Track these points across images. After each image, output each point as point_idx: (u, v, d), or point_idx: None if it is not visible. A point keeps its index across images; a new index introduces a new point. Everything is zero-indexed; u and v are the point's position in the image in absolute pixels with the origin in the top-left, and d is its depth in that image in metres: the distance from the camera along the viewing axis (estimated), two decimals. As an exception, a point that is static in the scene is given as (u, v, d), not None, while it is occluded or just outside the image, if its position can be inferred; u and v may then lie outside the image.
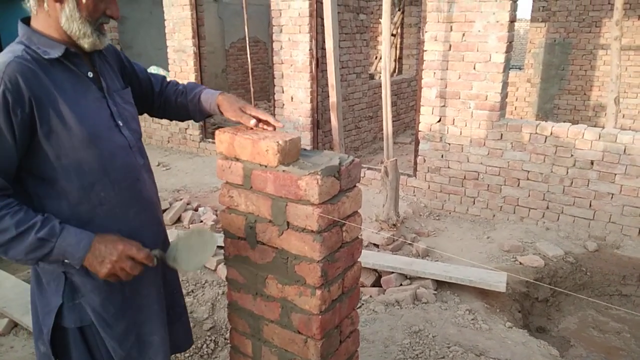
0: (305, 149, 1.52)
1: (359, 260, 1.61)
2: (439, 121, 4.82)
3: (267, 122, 1.54)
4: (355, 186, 1.52)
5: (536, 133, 4.36)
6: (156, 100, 1.71)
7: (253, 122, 1.53)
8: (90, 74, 1.40)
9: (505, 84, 4.53)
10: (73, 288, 1.39)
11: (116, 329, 1.44)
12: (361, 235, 1.61)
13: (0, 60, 1.25)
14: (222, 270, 3.36)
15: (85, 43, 1.34)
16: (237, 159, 1.48)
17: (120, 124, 1.43)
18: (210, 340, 2.82)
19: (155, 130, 7.58)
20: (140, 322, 1.50)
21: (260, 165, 1.42)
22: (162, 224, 1.63)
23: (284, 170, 1.38)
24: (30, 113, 1.25)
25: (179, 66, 7.03)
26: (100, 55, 1.46)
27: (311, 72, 5.74)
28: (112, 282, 1.37)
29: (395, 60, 8.96)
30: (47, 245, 1.25)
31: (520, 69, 10.38)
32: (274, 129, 1.54)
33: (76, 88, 1.35)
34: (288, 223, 1.41)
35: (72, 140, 1.30)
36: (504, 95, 4.58)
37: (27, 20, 1.36)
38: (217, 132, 1.51)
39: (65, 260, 1.30)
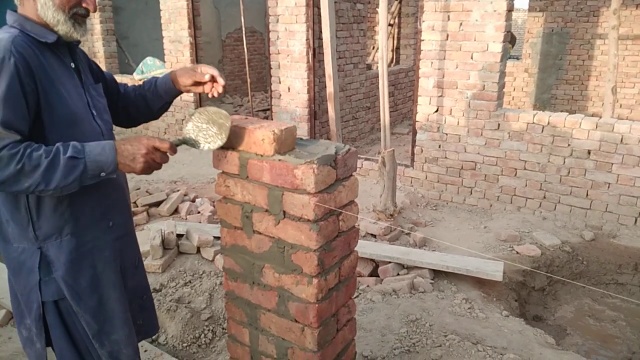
0: (301, 138, 1.51)
1: (355, 249, 1.62)
2: (436, 111, 4.81)
3: (215, 77, 1.61)
4: (351, 175, 1.52)
5: (533, 123, 4.36)
6: (120, 101, 1.78)
7: (207, 76, 1.60)
8: (72, 65, 1.53)
9: (502, 74, 4.52)
10: (48, 262, 1.46)
11: (89, 302, 1.51)
12: (358, 224, 1.61)
13: (3, 37, 1.33)
14: (220, 261, 3.36)
15: (60, 30, 1.43)
16: (233, 149, 1.47)
17: (94, 113, 1.55)
18: (208, 330, 2.83)
19: (152, 121, 7.54)
20: (114, 299, 1.57)
21: (257, 154, 1.42)
22: (129, 207, 1.73)
23: (280, 160, 1.38)
24: (35, 85, 1.35)
25: (175, 57, 6.99)
26: (76, 53, 1.57)
27: (308, 62, 5.71)
28: (83, 256, 1.48)
29: (392, 50, 8.93)
30: (79, 162, 1.31)
31: (517, 58, 10.35)
32: (223, 86, 1.60)
33: (64, 73, 1.46)
34: (284, 212, 1.41)
35: (59, 117, 1.41)
36: (502, 85, 4.57)
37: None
38: (212, 121, 1.50)
39: (102, 174, 1.35)
